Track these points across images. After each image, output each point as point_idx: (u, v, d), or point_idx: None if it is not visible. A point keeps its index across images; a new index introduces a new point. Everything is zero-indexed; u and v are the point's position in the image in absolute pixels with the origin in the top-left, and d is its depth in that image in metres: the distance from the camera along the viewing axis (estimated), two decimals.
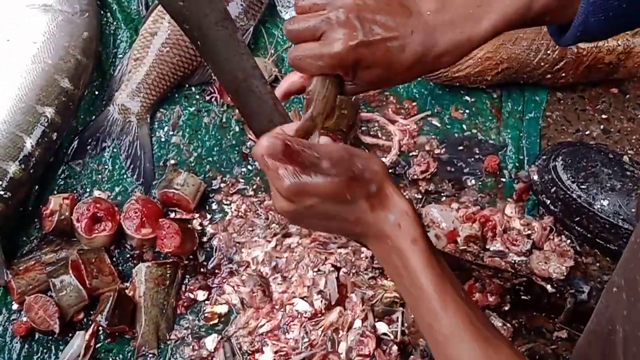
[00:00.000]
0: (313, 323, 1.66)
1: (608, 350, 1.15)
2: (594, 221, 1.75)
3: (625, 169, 1.78)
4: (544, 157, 1.84)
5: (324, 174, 1.15)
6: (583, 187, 1.75)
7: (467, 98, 2.01)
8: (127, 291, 1.71)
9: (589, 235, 1.77)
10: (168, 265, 1.73)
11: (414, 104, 1.99)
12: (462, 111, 1.99)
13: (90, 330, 1.67)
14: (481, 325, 1.16)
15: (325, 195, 1.17)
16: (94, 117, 1.95)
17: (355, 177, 1.17)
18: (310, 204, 1.19)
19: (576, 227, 1.78)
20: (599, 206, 1.74)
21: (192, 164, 1.90)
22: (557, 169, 1.79)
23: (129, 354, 1.68)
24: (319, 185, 1.16)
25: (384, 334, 1.63)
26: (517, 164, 1.90)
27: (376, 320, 1.65)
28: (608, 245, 1.75)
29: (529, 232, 1.77)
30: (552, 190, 1.79)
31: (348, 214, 1.20)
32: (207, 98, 2.00)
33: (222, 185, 1.88)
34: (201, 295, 1.74)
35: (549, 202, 1.81)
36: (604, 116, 1.99)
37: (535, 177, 1.83)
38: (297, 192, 1.17)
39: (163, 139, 1.94)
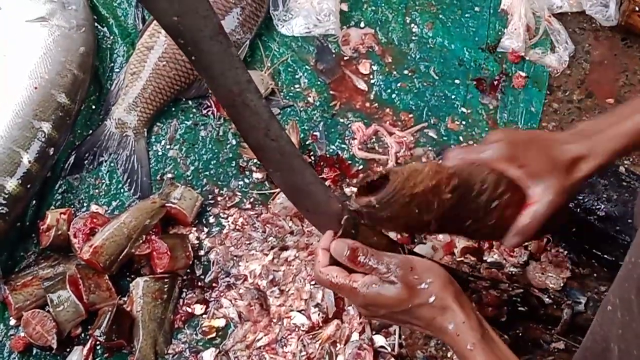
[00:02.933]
0: (310, 336, 1.66)
1: None
2: (591, 232, 1.74)
3: (622, 179, 1.77)
4: None
5: (384, 282, 1.30)
6: (579, 197, 1.75)
7: (464, 109, 2.02)
8: (124, 306, 1.71)
9: (585, 246, 1.77)
10: (165, 280, 1.72)
11: (411, 116, 2.00)
12: (458, 122, 1.99)
13: (88, 346, 1.67)
14: None
15: (389, 307, 1.32)
16: (91, 131, 1.95)
17: (414, 287, 1.30)
18: (382, 313, 1.35)
19: (573, 238, 1.78)
20: (595, 217, 1.74)
21: (189, 178, 1.91)
22: None
23: None
24: (381, 298, 1.31)
25: (381, 346, 1.63)
26: None
27: (373, 333, 1.65)
28: (605, 256, 1.75)
29: (526, 243, 1.77)
30: None
31: (415, 320, 1.33)
32: (204, 112, 2.00)
33: (219, 198, 1.88)
34: (199, 309, 1.74)
35: None
36: None
37: None
38: (367, 305, 1.35)
39: (160, 153, 1.94)
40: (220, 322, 1.72)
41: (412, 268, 1.30)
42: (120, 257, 1.71)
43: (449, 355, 1.60)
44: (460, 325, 1.28)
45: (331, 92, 2.04)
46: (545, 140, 1.42)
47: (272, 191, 1.86)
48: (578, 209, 1.74)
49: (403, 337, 1.63)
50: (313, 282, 1.71)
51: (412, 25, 2.15)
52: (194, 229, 1.83)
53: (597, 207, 1.73)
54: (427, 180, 1.33)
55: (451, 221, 1.40)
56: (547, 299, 1.63)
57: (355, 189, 1.35)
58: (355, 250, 1.32)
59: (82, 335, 1.70)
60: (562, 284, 1.70)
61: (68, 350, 1.67)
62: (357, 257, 1.32)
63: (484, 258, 1.76)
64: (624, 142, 1.38)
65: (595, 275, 1.77)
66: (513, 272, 1.73)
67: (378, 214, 1.34)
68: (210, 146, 1.95)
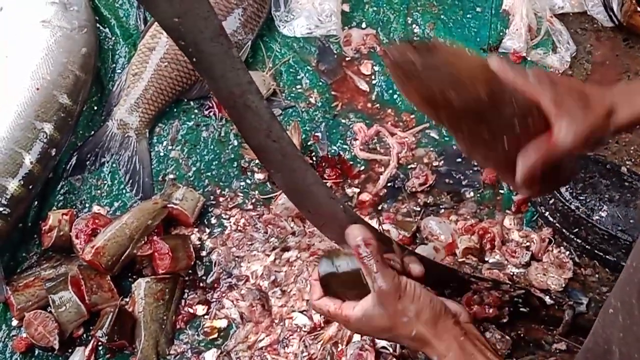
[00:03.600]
0: (312, 337, 1.66)
1: None
2: (593, 232, 1.74)
3: (624, 179, 1.77)
4: None
5: (372, 310, 1.36)
6: (581, 198, 1.75)
7: None
8: (126, 306, 1.71)
9: (587, 246, 1.77)
10: (167, 281, 1.73)
11: (412, 116, 1.99)
12: None
13: (89, 346, 1.67)
14: None
15: (377, 333, 1.44)
16: (92, 132, 1.96)
17: (397, 318, 1.35)
18: (375, 336, 1.50)
19: (575, 239, 1.78)
20: (597, 217, 1.74)
21: (191, 179, 1.91)
22: None
23: None
24: (368, 326, 1.39)
25: (383, 347, 1.63)
26: None
27: None
28: (607, 257, 1.75)
29: (528, 244, 1.77)
30: (551, 201, 1.79)
31: (408, 347, 1.49)
32: (206, 112, 2.00)
33: (221, 199, 1.88)
34: (200, 309, 1.74)
35: (547, 213, 1.81)
36: None
37: None
38: (359, 330, 1.47)
39: (162, 154, 1.95)
40: (222, 323, 1.73)
41: (400, 297, 1.35)
42: (122, 258, 1.71)
43: None
44: (441, 359, 1.34)
45: (333, 92, 2.04)
46: (585, 89, 1.35)
47: (275, 194, 1.86)
48: (580, 209, 1.74)
49: None
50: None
51: (414, 25, 2.15)
52: (196, 229, 1.83)
53: (600, 207, 1.74)
54: (473, 69, 1.24)
55: (469, 122, 1.28)
56: (549, 300, 1.63)
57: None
58: (367, 244, 1.36)
59: (84, 335, 1.70)
60: (563, 285, 1.70)
61: (70, 351, 1.68)
62: (364, 253, 1.35)
63: (486, 259, 1.76)
64: None
65: (597, 276, 1.77)
66: (514, 273, 1.73)
67: (413, 72, 1.22)
68: (212, 147, 1.95)
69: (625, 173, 1.79)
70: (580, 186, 1.77)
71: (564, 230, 1.79)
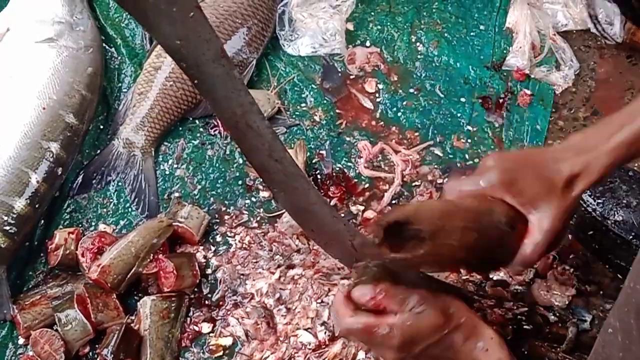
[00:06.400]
0: (317, 355, 1.66)
1: None
2: (607, 236, 1.75)
3: None
4: None
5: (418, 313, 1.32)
6: (599, 201, 1.75)
7: (469, 127, 2.02)
8: (132, 324, 1.71)
9: (601, 249, 1.77)
10: (172, 299, 1.73)
11: (417, 134, 2.00)
12: (464, 140, 1.99)
13: None
14: None
15: (426, 338, 1.34)
16: (98, 151, 1.97)
17: (446, 311, 1.33)
18: (417, 351, 1.35)
19: (589, 241, 1.78)
20: (612, 221, 1.74)
21: (196, 197, 1.92)
22: None
23: None
24: (418, 329, 1.32)
25: None
26: None
27: None
28: (618, 261, 1.75)
29: None
30: None
31: (448, 350, 1.36)
32: (211, 131, 2.01)
33: (226, 217, 1.89)
34: (206, 327, 1.74)
35: None
36: None
37: None
38: (403, 344, 1.34)
39: (167, 172, 1.96)
40: (228, 341, 1.73)
41: (435, 295, 1.34)
42: (128, 276, 1.72)
43: None
44: (488, 341, 1.34)
45: (337, 110, 2.05)
46: (538, 161, 1.41)
47: (280, 212, 1.87)
48: (596, 212, 1.74)
49: None
50: (319, 300, 1.71)
51: (418, 44, 2.17)
52: (201, 247, 1.84)
53: (616, 211, 1.73)
54: (458, 220, 1.33)
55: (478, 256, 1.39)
56: (553, 317, 1.63)
57: (374, 238, 1.31)
58: (379, 291, 1.32)
59: (90, 354, 1.71)
60: (567, 302, 1.70)
61: None
62: (382, 299, 1.32)
63: (490, 276, 1.76)
64: (619, 155, 1.39)
65: (601, 292, 1.77)
66: (518, 290, 1.73)
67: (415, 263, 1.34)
68: (217, 165, 1.97)
69: None
70: (600, 189, 1.77)
71: (578, 232, 1.80)
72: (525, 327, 1.64)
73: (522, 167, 1.40)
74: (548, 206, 1.38)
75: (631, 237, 1.72)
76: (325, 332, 1.67)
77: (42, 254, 1.83)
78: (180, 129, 2.02)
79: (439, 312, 1.33)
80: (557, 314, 1.64)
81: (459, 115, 2.05)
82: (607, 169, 1.40)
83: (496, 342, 1.34)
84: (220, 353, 1.72)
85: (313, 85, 2.08)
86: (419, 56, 2.15)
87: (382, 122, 2.03)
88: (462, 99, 2.07)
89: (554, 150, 1.50)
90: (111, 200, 1.92)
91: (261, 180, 1.90)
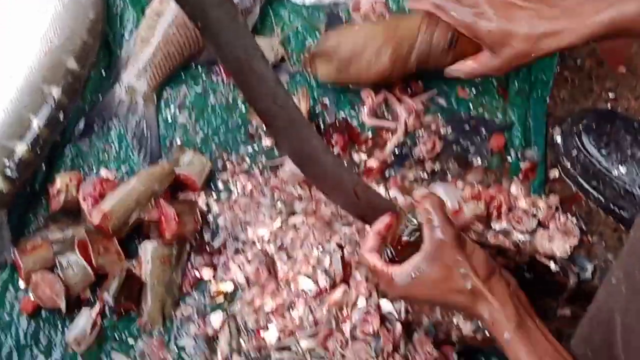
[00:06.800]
0: (318, 301, 1.67)
1: (608, 338, 1.17)
2: (611, 187, 1.75)
3: None
4: (570, 120, 1.84)
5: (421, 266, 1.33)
6: (604, 152, 1.75)
7: None
8: (133, 270, 1.72)
9: (604, 200, 1.78)
10: (174, 245, 1.74)
11: (420, 83, 1.99)
12: (468, 90, 1.98)
13: (96, 308, 1.68)
14: None
15: (425, 294, 1.37)
16: (100, 97, 1.96)
17: (452, 268, 1.33)
18: (420, 299, 1.44)
19: (592, 192, 1.79)
20: (616, 173, 1.74)
21: (198, 144, 1.91)
22: (580, 133, 1.79)
23: (135, 331, 1.70)
24: (417, 286, 1.35)
25: (388, 312, 1.64)
26: (523, 144, 1.90)
27: (380, 298, 1.65)
28: (622, 212, 1.76)
29: (535, 211, 1.77)
30: (574, 153, 1.79)
31: (452, 306, 1.41)
32: (214, 78, 2.00)
33: (228, 164, 1.88)
34: (207, 273, 1.75)
35: (569, 164, 1.82)
36: (611, 95, 1.98)
37: (559, 140, 1.83)
38: (405, 296, 1.43)
39: (169, 119, 1.95)
40: (228, 287, 1.74)
41: (458, 249, 1.35)
42: (130, 222, 1.72)
43: (454, 321, 1.60)
44: (494, 314, 1.31)
45: None
46: (524, 10, 1.47)
47: (282, 160, 1.87)
48: (601, 163, 1.74)
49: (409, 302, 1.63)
50: (321, 248, 1.72)
51: None
52: (203, 194, 1.84)
53: (620, 162, 1.73)
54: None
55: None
56: (554, 267, 1.64)
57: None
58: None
59: (91, 298, 1.72)
60: (569, 252, 1.70)
61: (76, 312, 1.69)
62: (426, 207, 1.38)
63: (492, 225, 1.76)
64: (595, 32, 1.42)
65: (604, 243, 1.78)
66: (520, 240, 1.73)
67: None
68: (219, 112, 1.96)
69: None
70: (605, 140, 1.77)
71: (582, 183, 1.80)
72: (526, 276, 1.64)
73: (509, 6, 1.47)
74: (508, 50, 1.43)
75: (635, 188, 1.72)
76: (326, 279, 1.67)
77: (43, 199, 1.83)
78: (183, 75, 2.01)
79: (443, 268, 1.33)
80: (559, 264, 1.64)
81: None
82: (585, 40, 1.43)
83: (502, 316, 1.31)
84: (221, 298, 1.73)
85: (317, 34, 2.06)
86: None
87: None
88: None
89: (542, 5, 1.54)
90: (112, 146, 1.91)
91: (264, 127, 1.89)
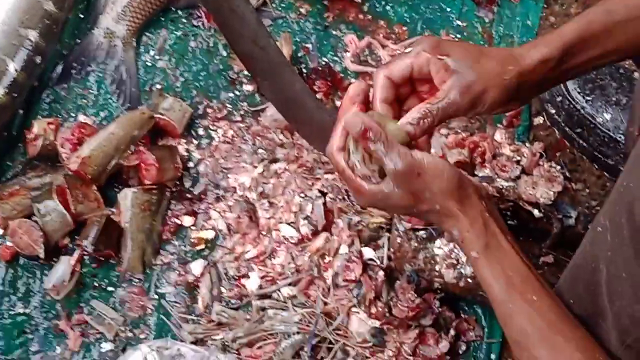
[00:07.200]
0: (299, 249, 1.66)
1: (593, 287, 1.16)
2: (595, 134, 1.74)
3: (634, 85, 1.75)
4: None
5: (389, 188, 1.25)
6: (589, 98, 1.74)
7: (459, 22, 1.98)
8: (112, 217, 1.70)
9: (588, 147, 1.77)
10: (154, 191, 1.72)
11: (405, 28, 1.96)
12: (453, 36, 1.96)
13: (75, 256, 1.66)
14: (546, 324, 1.20)
15: (394, 210, 1.39)
16: (78, 41, 1.92)
17: (419, 195, 1.25)
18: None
19: (577, 139, 1.79)
20: (601, 119, 1.73)
21: (179, 89, 1.88)
22: None
23: (115, 279, 1.69)
24: (385, 202, 1.27)
25: (370, 259, 1.63)
26: None
27: (362, 245, 1.64)
28: (606, 160, 1.75)
29: (519, 158, 1.76)
30: (559, 99, 1.78)
31: (426, 219, 1.38)
32: (194, 22, 1.96)
33: (209, 110, 1.86)
34: (187, 220, 1.74)
35: (554, 111, 1.81)
36: None
37: None
38: (373, 205, 1.34)
39: (149, 64, 1.92)
40: (209, 234, 1.72)
41: (419, 174, 1.23)
42: (109, 168, 1.70)
43: (436, 268, 1.59)
44: (463, 233, 1.26)
45: (324, 3, 2.00)
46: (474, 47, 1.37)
47: (263, 106, 1.84)
48: (585, 109, 1.73)
49: (392, 249, 1.62)
50: (302, 195, 1.70)
51: None
52: (183, 140, 1.81)
53: (605, 109, 1.73)
54: None
55: None
56: (537, 213, 1.62)
57: None
58: (368, 129, 1.20)
59: (70, 245, 1.70)
60: (553, 199, 1.68)
61: (55, 260, 1.67)
62: (368, 136, 1.20)
63: (476, 173, 1.74)
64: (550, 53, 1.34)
65: (588, 190, 1.77)
66: (504, 187, 1.71)
67: None
68: (200, 57, 1.93)
69: (636, 79, 1.77)
70: (590, 87, 1.76)
71: (567, 129, 1.80)
72: (509, 222, 1.63)
73: (456, 47, 1.35)
74: (467, 76, 1.30)
75: (619, 135, 1.71)
76: (307, 227, 1.66)
77: (20, 145, 1.80)
78: (163, 19, 1.97)
79: (409, 195, 1.24)
80: (542, 210, 1.63)
81: (448, 9, 2.00)
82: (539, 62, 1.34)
83: (472, 235, 1.25)
84: (202, 246, 1.72)
85: None
86: None
87: (369, 16, 1.99)
88: None
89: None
90: (91, 91, 1.88)
91: (245, 73, 1.86)
